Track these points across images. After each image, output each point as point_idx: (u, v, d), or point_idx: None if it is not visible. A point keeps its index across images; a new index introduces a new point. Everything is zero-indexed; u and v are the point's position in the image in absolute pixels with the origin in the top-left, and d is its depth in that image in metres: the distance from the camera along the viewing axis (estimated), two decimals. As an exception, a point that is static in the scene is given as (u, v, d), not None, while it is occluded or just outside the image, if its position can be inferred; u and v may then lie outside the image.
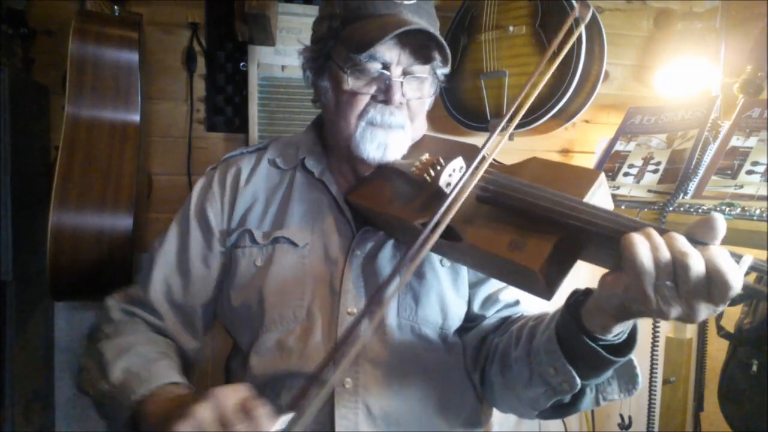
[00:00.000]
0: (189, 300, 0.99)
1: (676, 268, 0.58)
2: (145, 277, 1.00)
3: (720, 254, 0.58)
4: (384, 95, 0.91)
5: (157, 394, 0.80)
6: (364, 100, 0.92)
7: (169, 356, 0.91)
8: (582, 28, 1.46)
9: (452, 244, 0.80)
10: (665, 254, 0.59)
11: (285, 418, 0.67)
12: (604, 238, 0.65)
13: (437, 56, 0.93)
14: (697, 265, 0.57)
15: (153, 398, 0.79)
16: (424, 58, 0.92)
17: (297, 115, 1.83)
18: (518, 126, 0.84)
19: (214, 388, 0.68)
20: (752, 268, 0.59)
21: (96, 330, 0.97)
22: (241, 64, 1.79)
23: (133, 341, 0.90)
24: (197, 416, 0.65)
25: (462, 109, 1.83)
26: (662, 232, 0.62)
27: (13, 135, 1.43)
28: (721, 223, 0.60)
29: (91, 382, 0.88)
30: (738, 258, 0.59)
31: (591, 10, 0.82)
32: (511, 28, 1.71)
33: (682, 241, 0.59)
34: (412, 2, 0.91)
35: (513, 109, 0.80)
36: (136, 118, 1.44)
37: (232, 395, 0.67)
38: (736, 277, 0.57)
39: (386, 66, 0.90)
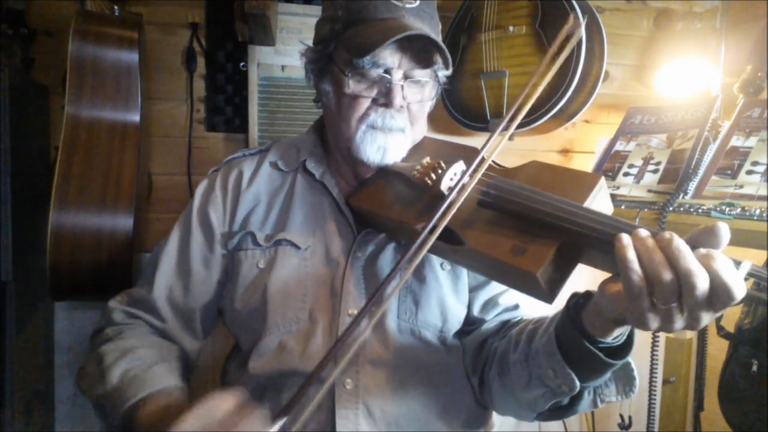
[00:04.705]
0: (190, 302, 0.99)
1: (681, 287, 0.57)
2: (147, 278, 1.00)
3: (723, 266, 0.56)
4: (385, 98, 0.91)
5: (152, 399, 0.80)
6: (365, 103, 0.92)
7: (168, 360, 0.91)
8: (582, 34, 1.46)
9: (454, 248, 0.80)
10: (667, 276, 0.57)
11: (280, 422, 0.66)
12: (605, 244, 0.65)
13: (438, 59, 0.93)
14: (702, 284, 0.56)
15: (147, 403, 0.79)
16: (425, 62, 0.92)
17: (297, 116, 1.83)
18: (518, 126, 0.84)
19: (207, 394, 0.68)
20: (750, 275, 0.58)
21: (98, 332, 0.97)
22: (241, 64, 1.78)
23: (134, 344, 0.90)
24: (187, 424, 0.65)
25: (462, 108, 1.83)
26: (660, 236, 0.59)
27: (13, 135, 1.43)
28: (725, 232, 0.59)
29: (90, 384, 0.88)
30: (737, 264, 0.58)
31: (582, 26, 0.83)
32: (511, 28, 1.71)
33: (684, 257, 0.56)
34: (414, 5, 0.91)
35: (511, 113, 0.80)
36: (136, 118, 1.44)
37: (224, 401, 0.67)
38: (740, 289, 0.56)
39: (387, 70, 0.90)
